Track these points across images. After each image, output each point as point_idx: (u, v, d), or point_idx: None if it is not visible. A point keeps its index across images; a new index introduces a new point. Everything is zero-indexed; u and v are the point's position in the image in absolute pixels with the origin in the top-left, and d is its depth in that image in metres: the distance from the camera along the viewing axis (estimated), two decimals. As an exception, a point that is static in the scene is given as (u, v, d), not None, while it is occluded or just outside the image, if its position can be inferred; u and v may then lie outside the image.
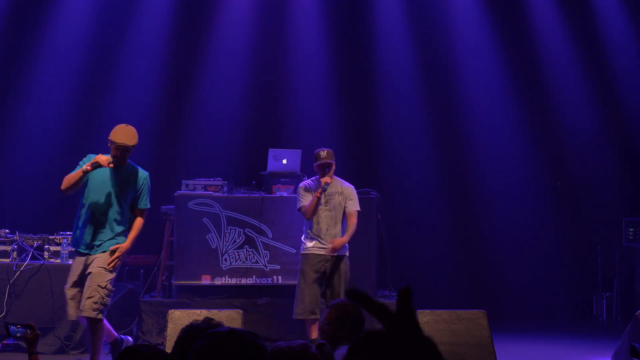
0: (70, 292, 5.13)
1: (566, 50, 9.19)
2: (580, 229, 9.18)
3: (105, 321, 5.15)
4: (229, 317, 4.85)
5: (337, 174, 6.24)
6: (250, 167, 7.95)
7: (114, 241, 5.14)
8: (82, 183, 5.11)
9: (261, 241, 7.02)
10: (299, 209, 6.10)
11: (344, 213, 6.12)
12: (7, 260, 6.45)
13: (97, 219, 5.13)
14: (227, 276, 6.97)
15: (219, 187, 7.13)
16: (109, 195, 5.15)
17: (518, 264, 8.99)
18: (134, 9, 8.65)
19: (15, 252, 6.50)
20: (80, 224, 5.16)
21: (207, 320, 2.85)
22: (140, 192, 5.29)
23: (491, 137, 9.20)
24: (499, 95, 9.23)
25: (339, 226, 6.10)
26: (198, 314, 5.04)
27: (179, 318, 5.03)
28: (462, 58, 9.19)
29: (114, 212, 5.16)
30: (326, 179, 6.00)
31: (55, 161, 8.21)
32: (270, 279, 7.01)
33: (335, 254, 6.00)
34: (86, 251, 5.13)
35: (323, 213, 6.07)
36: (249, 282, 6.99)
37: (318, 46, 9.01)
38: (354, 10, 9.16)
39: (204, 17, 8.85)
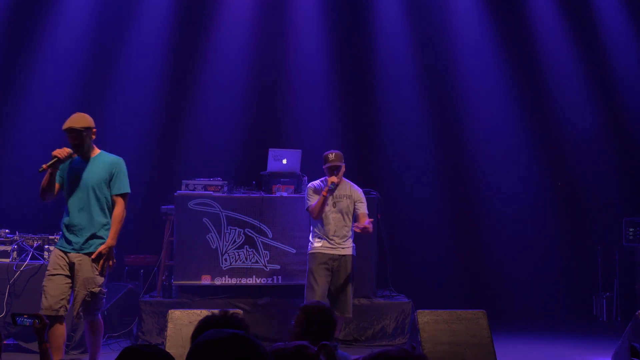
0: (48, 283, 4.85)
1: (566, 50, 9.19)
2: (580, 229, 9.18)
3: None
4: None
5: (338, 173, 6.25)
6: (250, 167, 7.96)
7: (98, 240, 4.92)
8: (53, 184, 4.92)
9: (261, 241, 7.03)
10: (307, 209, 6.14)
11: (354, 215, 6.15)
12: (7, 260, 6.45)
13: (78, 216, 4.92)
14: (227, 276, 6.98)
15: (219, 187, 7.13)
16: (84, 190, 4.93)
17: (518, 264, 8.99)
18: (134, 9, 8.65)
19: (15, 252, 6.50)
20: (64, 223, 4.98)
21: (223, 312, 2.84)
22: (113, 178, 5.00)
23: (491, 137, 9.20)
24: (499, 95, 9.23)
25: (348, 227, 6.14)
26: (198, 314, 5.04)
27: (179, 318, 5.03)
28: (462, 58, 9.19)
29: (93, 207, 4.93)
30: (333, 178, 6.01)
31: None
32: (270, 279, 7.01)
33: (344, 253, 6.03)
34: (71, 250, 4.92)
35: (331, 215, 6.11)
36: (249, 282, 7.00)
37: (318, 46, 9.01)
38: (354, 11, 9.16)
39: (204, 17, 8.85)
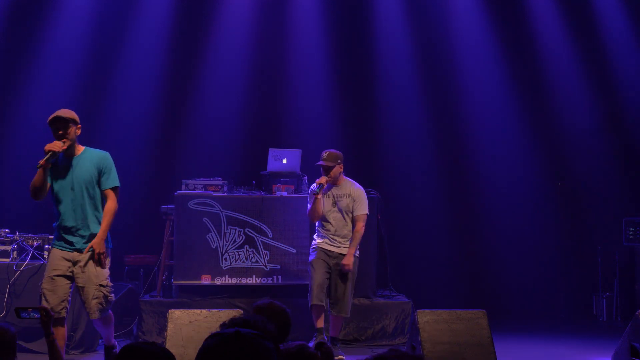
0: (48, 284, 4.86)
1: (566, 50, 9.18)
2: (580, 229, 9.17)
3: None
4: (229, 317, 4.86)
5: (337, 172, 6.26)
6: (250, 167, 7.96)
7: (93, 236, 4.93)
8: (47, 182, 4.91)
9: (261, 241, 7.03)
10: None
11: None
12: (7, 260, 6.45)
13: (73, 216, 4.92)
14: (227, 276, 6.98)
15: (219, 187, 7.13)
16: (76, 189, 4.91)
17: (518, 264, 8.99)
18: (134, 9, 8.65)
19: (15, 252, 6.50)
20: (58, 223, 4.96)
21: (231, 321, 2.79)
22: (103, 172, 4.98)
23: (491, 136, 9.20)
24: (499, 95, 9.22)
25: (350, 227, 6.17)
26: (198, 314, 5.05)
27: (179, 318, 5.04)
28: (463, 58, 9.18)
29: (88, 205, 4.94)
30: (322, 179, 6.03)
31: (55, 161, 8.23)
32: (270, 279, 7.01)
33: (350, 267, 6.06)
34: (70, 248, 4.94)
35: (332, 214, 6.15)
36: (249, 281, 7.00)
37: (318, 46, 9.01)
38: (354, 11, 9.16)
39: (204, 17, 8.84)
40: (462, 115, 9.25)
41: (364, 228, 6.20)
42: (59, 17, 8.43)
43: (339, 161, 6.17)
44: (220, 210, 6.99)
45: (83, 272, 4.90)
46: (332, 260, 6.10)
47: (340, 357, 5.86)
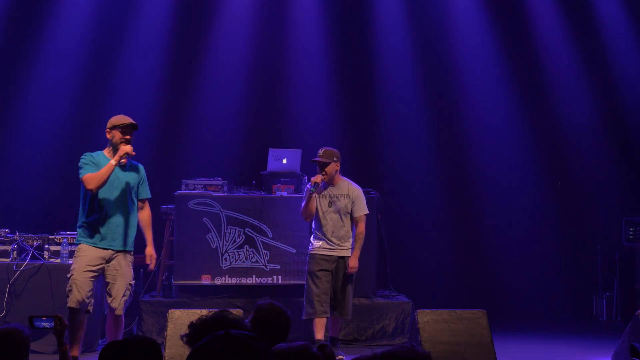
0: (81, 277, 5.03)
1: (566, 50, 9.19)
2: (580, 229, 9.17)
3: None
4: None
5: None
6: (250, 167, 7.96)
7: (131, 239, 5.26)
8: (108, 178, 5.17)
9: (261, 241, 7.03)
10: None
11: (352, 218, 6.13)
12: (7, 260, 6.45)
13: (117, 216, 5.16)
14: (227, 276, 6.98)
15: (219, 187, 7.13)
16: (119, 189, 5.17)
17: (518, 264, 8.99)
18: (134, 9, 8.65)
19: (15, 252, 6.50)
20: (95, 221, 5.12)
21: (221, 311, 2.78)
22: (142, 182, 5.37)
23: (491, 137, 9.20)
24: (500, 95, 9.22)
25: (347, 228, 6.09)
26: (198, 314, 5.04)
27: (179, 318, 5.04)
28: (463, 58, 9.18)
29: (127, 206, 5.22)
30: (317, 177, 5.97)
31: (55, 161, 8.23)
32: (270, 279, 7.01)
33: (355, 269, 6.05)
34: (108, 247, 5.13)
35: (329, 215, 6.06)
36: (249, 281, 7.00)
37: (318, 46, 9.01)
38: (354, 11, 9.16)
39: (204, 17, 8.84)
40: (462, 115, 9.25)
41: (364, 229, 6.15)
42: (59, 17, 8.43)
43: (335, 159, 6.05)
44: (220, 210, 6.99)
45: (116, 270, 5.13)
46: (332, 265, 6.05)
47: (340, 357, 5.85)
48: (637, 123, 9.15)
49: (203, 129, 8.73)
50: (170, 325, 5.01)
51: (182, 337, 2.57)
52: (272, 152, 7.27)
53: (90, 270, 5.07)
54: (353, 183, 6.21)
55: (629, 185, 9.15)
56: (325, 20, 9.07)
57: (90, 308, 5.12)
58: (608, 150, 9.23)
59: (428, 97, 9.21)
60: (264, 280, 7.01)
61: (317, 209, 6.09)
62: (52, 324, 3.48)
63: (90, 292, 5.07)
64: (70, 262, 6.42)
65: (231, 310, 3.10)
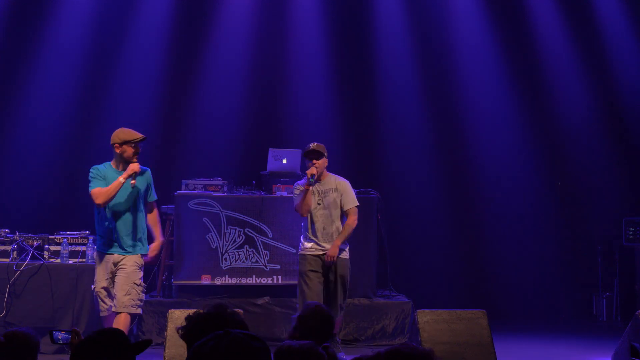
0: (103, 291, 5.33)
1: (566, 50, 9.18)
2: (580, 229, 9.17)
3: None
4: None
5: (337, 173, 6.22)
6: (250, 167, 7.96)
7: (140, 243, 5.39)
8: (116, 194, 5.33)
9: (261, 241, 7.03)
10: (295, 208, 6.08)
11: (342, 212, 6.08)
12: (7, 260, 6.45)
13: (125, 221, 5.32)
14: (227, 276, 6.98)
15: (219, 187, 7.13)
16: (130, 196, 5.32)
17: (518, 264, 8.99)
18: (134, 9, 8.65)
19: (15, 252, 6.50)
20: (108, 228, 5.31)
21: (219, 306, 2.80)
22: (150, 186, 5.54)
23: (491, 136, 9.20)
24: (499, 95, 9.22)
25: (337, 224, 6.01)
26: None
27: (179, 318, 5.03)
28: (463, 57, 9.18)
29: (137, 211, 5.37)
30: (312, 170, 5.90)
31: (55, 161, 8.24)
32: (270, 279, 7.01)
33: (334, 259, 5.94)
34: (120, 252, 5.32)
35: (318, 212, 5.98)
36: (249, 281, 7.00)
37: (318, 46, 9.01)
38: (354, 10, 9.16)
39: (204, 16, 8.84)
40: (462, 115, 9.24)
41: (356, 221, 6.02)
42: (59, 17, 8.43)
43: (326, 154, 6.02)
44: (220, 210, 6.99)
45: (121, 272, 5.29)
46: (323, 265, 5.97)
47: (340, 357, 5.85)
48: (637, 123, 9.14)
49: (203, 128, 8.73)
50: (170, 326, 5.00)
51: (177, 329, 2.62)
52: (272, 152, 7.27)
53: (107, 279, 5.33)
54: (340, 177, 6.14)
55: (629, 185, 9.14)
56: (325, 20, 9.06)
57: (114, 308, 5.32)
58: (608, 150, 9.22)
59: (428, 97, 9.21)
60: (264, 280, 7.01)
61: None
62: (69, 337, 3.51)
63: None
64: (70, 262, 6.48)
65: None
